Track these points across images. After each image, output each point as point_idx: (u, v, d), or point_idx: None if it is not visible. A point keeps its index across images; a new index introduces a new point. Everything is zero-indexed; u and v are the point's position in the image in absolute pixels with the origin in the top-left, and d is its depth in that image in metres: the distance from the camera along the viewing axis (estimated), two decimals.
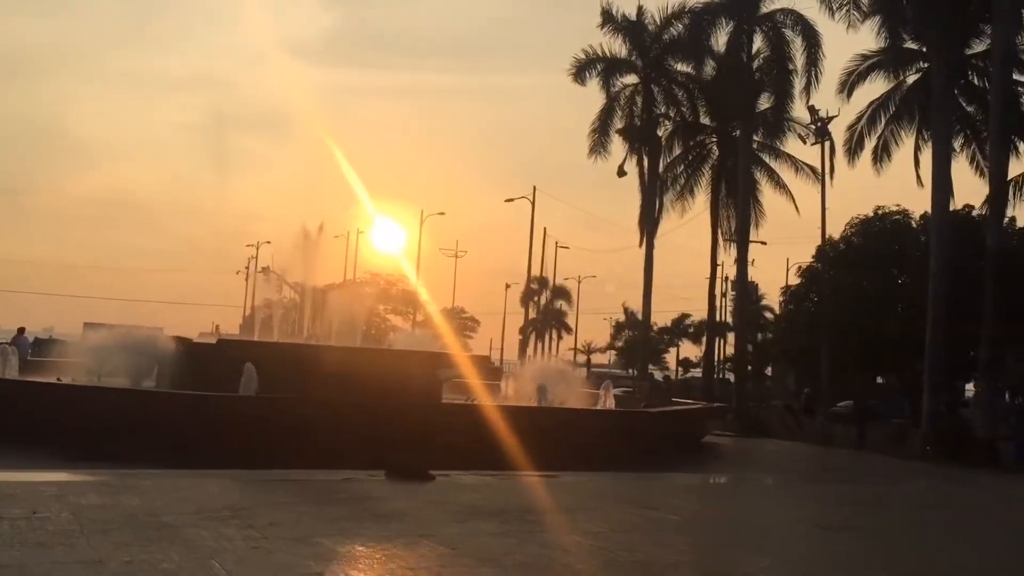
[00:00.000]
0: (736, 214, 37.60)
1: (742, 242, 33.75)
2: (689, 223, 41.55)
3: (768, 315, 66.40)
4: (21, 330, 29.17)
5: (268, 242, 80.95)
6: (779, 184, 38.09)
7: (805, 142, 32.83)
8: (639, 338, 47.01)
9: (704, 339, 71.45)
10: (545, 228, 54.49)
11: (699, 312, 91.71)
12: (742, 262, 33.65)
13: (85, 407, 15.04)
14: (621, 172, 40.38)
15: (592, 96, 40.64)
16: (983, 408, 24.33)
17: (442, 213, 66.52)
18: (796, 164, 37.93)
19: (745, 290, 33.78)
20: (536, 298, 76.31)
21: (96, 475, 9.90)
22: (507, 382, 27.82)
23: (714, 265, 38.64)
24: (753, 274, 56.85)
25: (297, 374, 17.67)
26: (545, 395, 19.71)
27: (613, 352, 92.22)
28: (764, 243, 61.50)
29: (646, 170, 40.29)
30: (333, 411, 15.40)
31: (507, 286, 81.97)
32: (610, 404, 23.99)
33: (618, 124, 40.99)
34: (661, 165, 39.73)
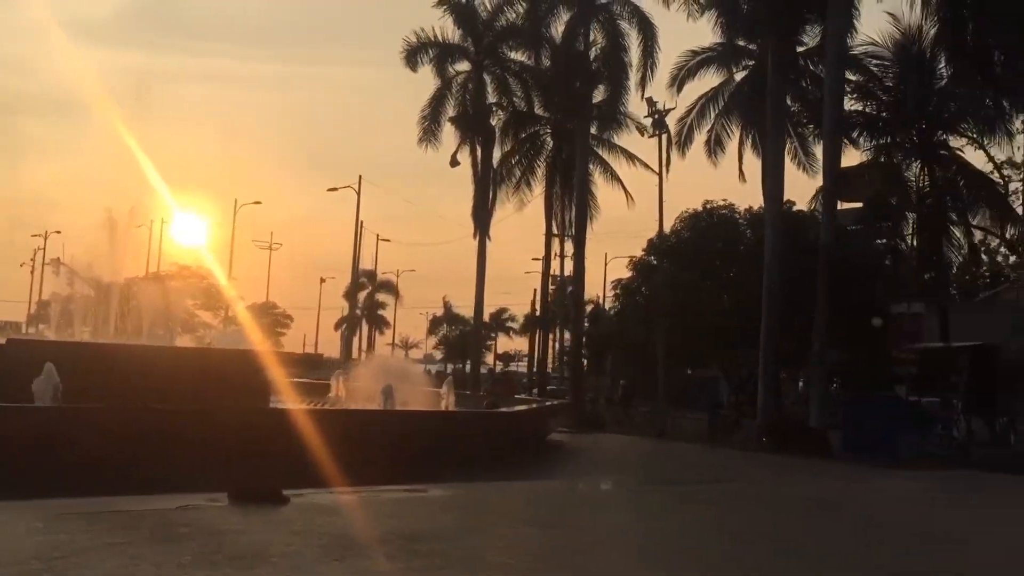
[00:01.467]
0: (572, 207, 37.45)
1: (579, 235, 33.53)
2: (511, 217, 41.14)
3: (589, 308, 67.44)
4: None
5: (58, 232, 74.42)
6: (613, 177, 38.31)
7: (643, 134, 33.06)
8: (470, 332, 46.21)
9: (532, 334, 72.17)
10: (362, 221, 52.63)
11: (518, 306, 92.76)
12: (579, 255, 33.43)
13: None
14: (454, 162, 39.45)
15: (422, 87, 39.51)
16: (817, 398, 25.05)
17: (258, 202, 63.42)
18: (631, 157, 38.26)
19: (583, 283, 33.66)
20: (362, 292, 74.24)
21: None
22: (338, 381, 26.19)
23: (548, 258, 38.39)
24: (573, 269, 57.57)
25: (106, 378, 15.48)
26: (391, 396, 18.32)
27: (434, 347, 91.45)
28: (571, 236, 62.74)
29: (479, 161, 39.49)
30: (158, 421, 13.40)
31: (322, 280, 79.55)
32: (451, 403, 22.92)
33: (451, 112, 39.99)
34: (497, 156, 39.02)
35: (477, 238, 38.93)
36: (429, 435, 17.11)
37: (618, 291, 38.05)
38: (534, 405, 22.01)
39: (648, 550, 8.68)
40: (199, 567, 6.47)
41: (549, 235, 38.66)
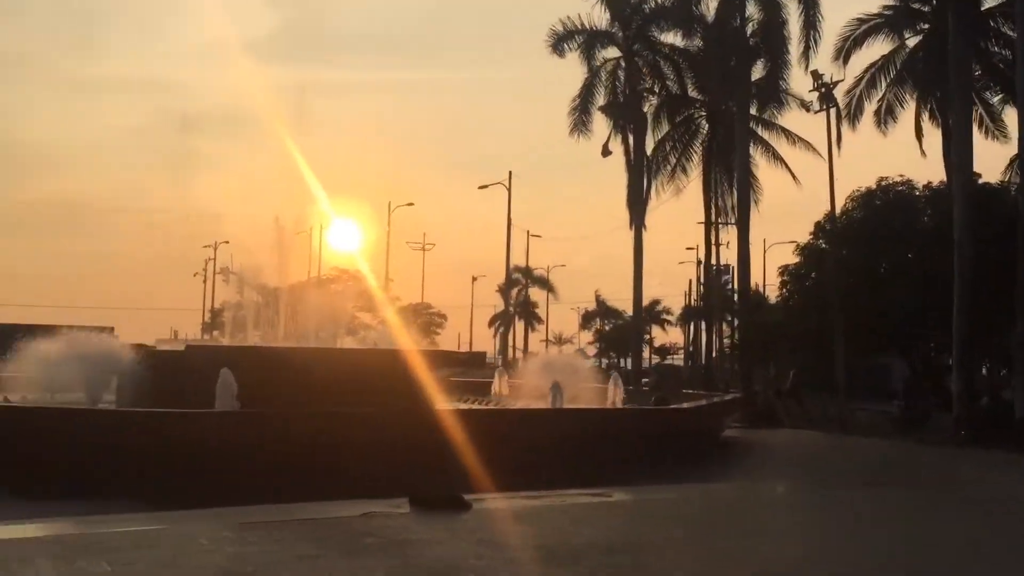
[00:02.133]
0: (732, 192, 35.96)
1: (742, 220, 31.98)
2: (662, 206, 39.79)
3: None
4: None
5: (226, 242, 78.12)
6: (776, 158, 36.51)
7: (808, 110, 31.19)
8: (627, 325, 45.15)
9: (688, 326, 70.28)
10: (511, 218, 52.37)
11: (671, 298, 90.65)
12: (743, 241, 31.83)
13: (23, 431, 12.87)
14: (605, 151, 38.57)
15: (565, 83, 38.81)
16: (1022, 387, 22.80)
17: (411, 204, 64.14)
18: (792, 136, 36.38)
19: (748, 269, 32.09)
20: (518, 288, 74.40)
21: (45, 526, 7.82)
22: (500, 379, 25.91)
23: (708, 245, 36.97)
24: (729, 256, 55.58)
25: (280, 382, 15.63)
26: (560, 393, 17.77)
27: (588, 342, 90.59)
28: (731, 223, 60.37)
29: (632, 149, 38.51)
30: (332, 424, 13.34)
31: (474, 279, 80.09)
32: (619, 399, 22.17)
33: (601, 101, 39.19)
34: (651, 143, 37.95)
35: (633, 228, 37.98)
36: (601, 434, 16.48)
37: (785, 277, 36.11)
38: (706, 401, 20.96)
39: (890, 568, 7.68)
40: None
41: (708, 222, 37.23)
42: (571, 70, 38.76)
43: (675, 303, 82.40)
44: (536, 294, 79.96)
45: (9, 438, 12.62)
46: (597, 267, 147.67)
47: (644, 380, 27.67)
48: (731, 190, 36.52)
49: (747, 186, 32.29)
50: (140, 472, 11.97)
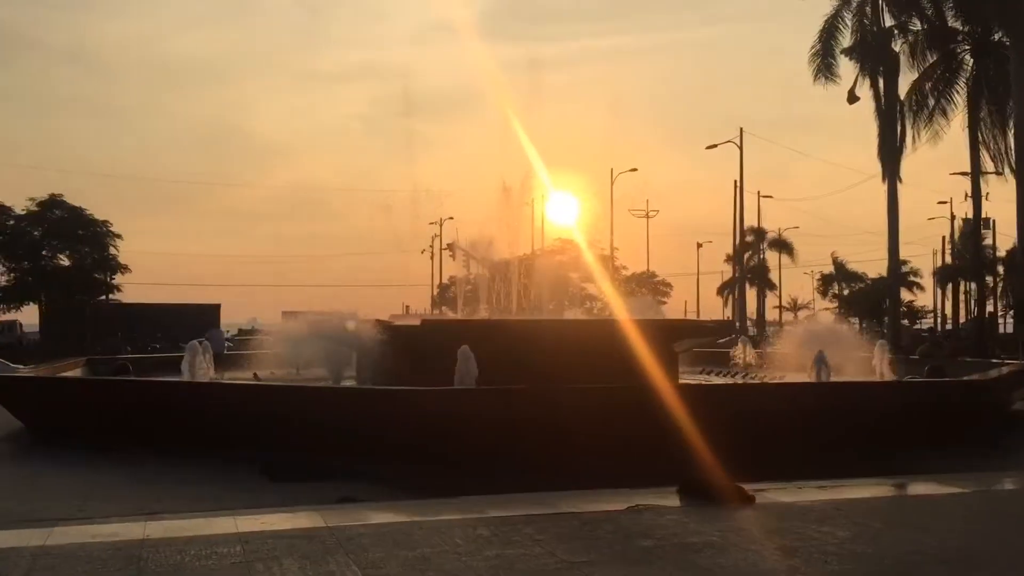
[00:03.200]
0: (1006, 134, 31.87)
1: (1021, 166, 28.07)
2: (908, 158, 35.67)
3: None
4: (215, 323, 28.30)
5: (451, 218, 79.81)
6: None
7: None
8: (883, 284, 41.24)
9: (944, 287, 64.49)
10: (736, 180, 49.51)
11: (918, 258, 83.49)
12: (1023, 189, 27.95)
13: (262, 409, 12.82)
14: (852, 98, 35.44)
15: (795, 35, 35.64)
16: None
17: (634, 169, 62.25)
18: None
19: None
20: (753, 252, 71.20)
21: (293, 516, 7.32)
22: (744, 349, 24.15)
23: (978, 195, 32.94)
24: (990, 210, 49.88)
25: (519, 356, 14.93)
26: (825, 365, 15.94)
27: (826, 308, 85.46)
28: (1000, 173, 53.91)
29: (882, 93, 35.09)
30: (588, 400, 12.39)
31: (699, 245, 77.31)
32: (886, 370, 19.92)
33: (845, 43, 35.96)
34: (904, 87, 34.37)
35: (886, 182, 34.68)
36: (872, 411, 14.55)
37: None
38: (997, 372, 18.30)
39: None
40: None
41: (976, 170, 33.19)
42: (800, 20, 35.78)
43: (923, 264, 76.58)
44: (768, 258, 76.23)
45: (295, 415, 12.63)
46: (832, 228, 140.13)
47: (919, 348, 24.85)
48: (1002, 133, 32.38)
49: None
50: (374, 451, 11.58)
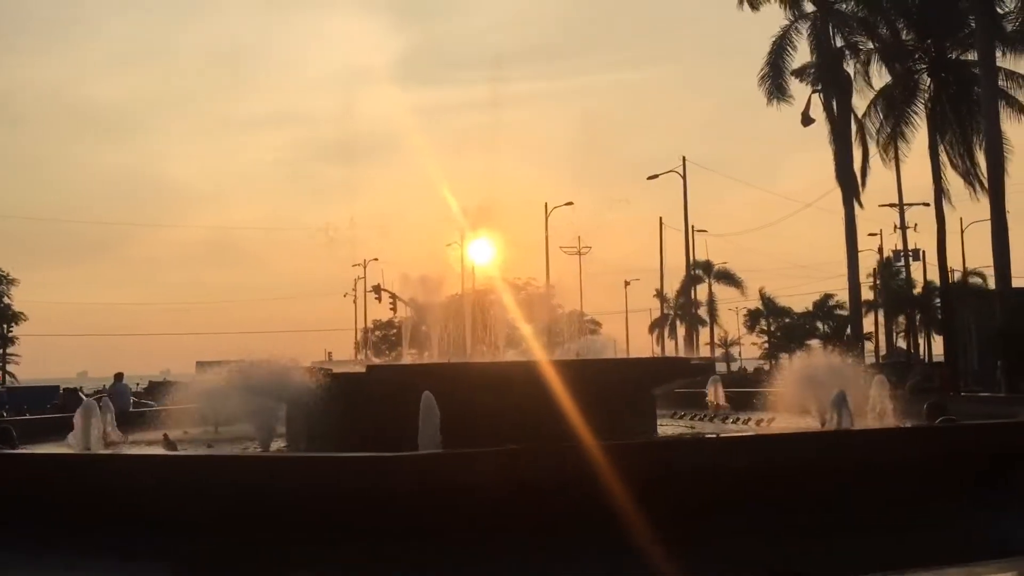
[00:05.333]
0: (964, 158, 30.98)
1: (995, 186, 26.87)
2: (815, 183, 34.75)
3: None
4: (119, 376, 25.11)
5: (375, 259, 76.99)
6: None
7: None
8: (851, 317, 39.66)
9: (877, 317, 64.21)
10: (687, 208, 48.27)
11: (840, 291, 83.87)
12: (998, 213, 26.53)
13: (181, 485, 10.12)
14: (807, 120, 34.35)
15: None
16: None
17: (570, 203, 60.59)
18: None
19: (1006, 246, 26.69)
20: (679, 289, 70.23)
21: None
22: (716, 389, 22.21)
23: (941, 221, 31.90)
24: (918, 240, 49.89)
25: (486, 406, 12.61)
26: (846, 407, 13.95)
27: (753, 343, 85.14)
28: (927, 204, 53.72)
29: (836, 115, 34.06)
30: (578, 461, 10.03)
31: (626, 283, 76.45)
32: (888, 410, 18.05)
33: (793, 64, 34.97)
34: (863, 107, 33.39)
35: (844, 206, 33.50)
36: (891, 464, 12.38)
37: None
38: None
39: None
40: None
41: (940, 193, 32.15)
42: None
43: (845, 297, 76.97)
44: (714, 292, 75.45)
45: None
46: (757, 262, 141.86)
47: (910, 384, 23.32)
48: (968, 152, 31.40)
49: (999, 145, 27.16)
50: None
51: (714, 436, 15.66)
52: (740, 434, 15.25)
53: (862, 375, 17.04)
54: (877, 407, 17.94)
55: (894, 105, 33.03)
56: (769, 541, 9.42)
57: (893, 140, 33.42)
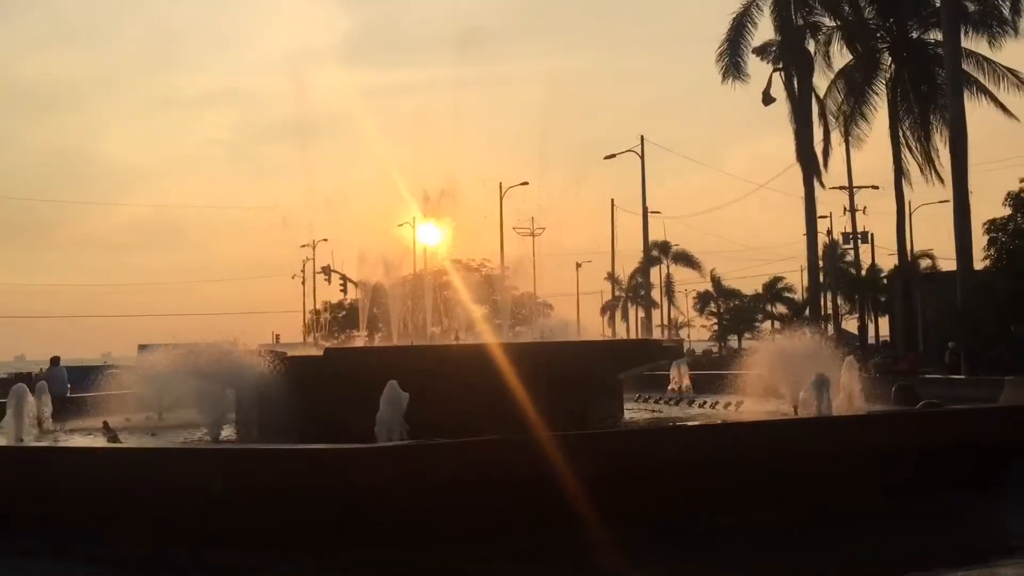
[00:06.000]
0: (923, 140, 30.93)
1: (958, 164, 26.62)
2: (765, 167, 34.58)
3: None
4: (55, 360, 23.94)
5: (324, 240, 75.50)
6: (991, 98, 31.01)
7: None
8: (809, 298, 39.54)
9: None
10: (644, 188, 47.74)
11: (789, 273, 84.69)
12: (960, 192, 26.31)
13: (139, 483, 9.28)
14: (767, 99, 34.03)
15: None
16: None
17: (525, 183, 59.63)
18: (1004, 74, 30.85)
19: (968, 227, 26.61)
20: (633, 272, 70.14)
21: None
22: (680, 371, 21.75)
23: (901, 202, 31.86)
24: (867, 223, 50.42)
25: (443, 390, 11.93)
26: (827, 390, 13.50)
27: (703, 325, 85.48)
28: (876, 187, 54.22)
29: (796, 93, 33.77)
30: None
31: (578, 265, 76.08)
32: (856, 392, 17.65)
33: (753, 42, 34.58)
34: (825, 87, 33.16)
35: (804, 185, 33.31)
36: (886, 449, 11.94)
37: (996, 235, 30.65)
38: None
39: None
40: None
41: (900, 174, 32.11)
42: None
43: (799, 281, 78.14)
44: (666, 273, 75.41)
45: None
46: (708, 244, 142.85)
47: (872, 361, 23.07)
48: (927, 135, 31.37)
49: (962, 125, 26.93)
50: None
51: (721, 422, 15.00)
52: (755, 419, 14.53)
53: (839, 360, 16.63)
54: (846, 389, 17.56)
55: (855, 85, 32.87)
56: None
57: (853, 120, 33.27)
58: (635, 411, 17.92)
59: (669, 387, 21.62)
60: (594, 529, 8.40)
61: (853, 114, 33.10)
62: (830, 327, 37.61)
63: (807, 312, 40.35)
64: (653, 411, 18.37)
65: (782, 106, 34.45)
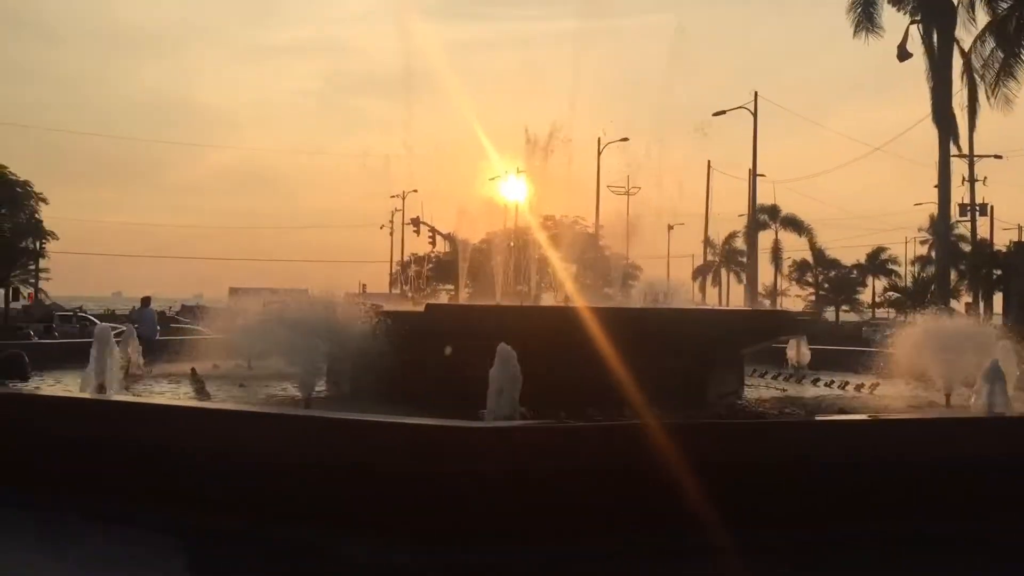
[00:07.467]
0: None
1: None
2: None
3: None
4: (146, 300, 23.64)
5: (415, 190, 74.95)
6: None
7: None
8: (938, 270, 37.05)
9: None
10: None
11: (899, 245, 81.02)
12: None
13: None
14: (903, 54, 31.67)
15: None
16: None
17: (625, 139, 57.87)
18: None
19: None
20: (725, 237, 68.29)
21: None
22: (799, 346, 20.15)
23: None
24: (986, 195, 47.51)
25: (574, 358, 10.84)
26: (1001, 383, 11.87)
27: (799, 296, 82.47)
28: (999, 156, 50.72)
29: (936, 48, 31.34)
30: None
31: (670, 227, 73.86)
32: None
33: None
34: (969, 41, 30.67)
35: (939, 148, 31.04)
36: None
37: None
38: None
39: None
40: None
41: None
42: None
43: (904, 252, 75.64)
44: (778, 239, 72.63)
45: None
46: (803, 209, 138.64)
47: None
48: None
49: None
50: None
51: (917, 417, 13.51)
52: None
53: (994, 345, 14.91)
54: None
55: (1007, 38, 30.24)
56: None
57: (1001, 78, 30.70)
58: (755, 388, 16.56)
59: (788, 363, 20.21)
60: (718, 534, 7.31)
61: (1004, 69, 30.47)
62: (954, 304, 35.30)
63: (933, 288, 37.95)
64: (776, 389, 16.92)
65: (899, 67, 32.08)
